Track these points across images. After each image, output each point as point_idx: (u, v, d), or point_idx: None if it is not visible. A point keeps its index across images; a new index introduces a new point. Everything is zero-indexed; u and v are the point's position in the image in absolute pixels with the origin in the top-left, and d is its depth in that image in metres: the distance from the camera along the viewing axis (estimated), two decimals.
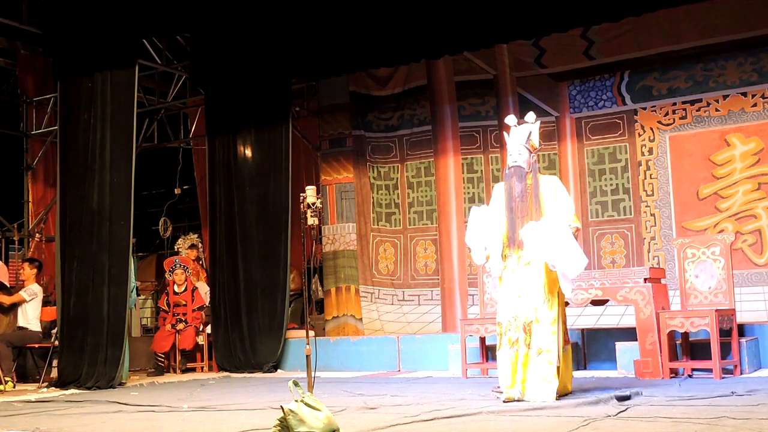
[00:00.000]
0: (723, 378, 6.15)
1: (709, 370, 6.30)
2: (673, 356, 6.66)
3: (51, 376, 8.25)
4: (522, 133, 5.57)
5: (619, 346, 6.91)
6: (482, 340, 7.46)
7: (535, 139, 5.62)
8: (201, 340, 9.60)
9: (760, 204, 8.09)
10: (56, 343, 8.23)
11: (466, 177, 9.61)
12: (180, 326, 9.42)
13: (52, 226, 10.50)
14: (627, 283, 6.65)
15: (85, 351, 7.85)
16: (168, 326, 9.46)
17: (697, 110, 8.44)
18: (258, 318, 9.21)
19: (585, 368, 7.38)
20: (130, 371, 8.57)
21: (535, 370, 5.26)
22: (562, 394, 5.33)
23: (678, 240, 7.11)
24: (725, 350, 6.47)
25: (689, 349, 6.81)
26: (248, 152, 9.56)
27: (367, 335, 9.49)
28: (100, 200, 8.07)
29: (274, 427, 3.98)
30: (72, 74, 8.43)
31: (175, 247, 11.19)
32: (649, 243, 8.59)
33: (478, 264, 6.02)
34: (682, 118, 8.52)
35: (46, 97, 11.28)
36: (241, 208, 9.41)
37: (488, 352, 7.51)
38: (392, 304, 9.88)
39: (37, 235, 11.21)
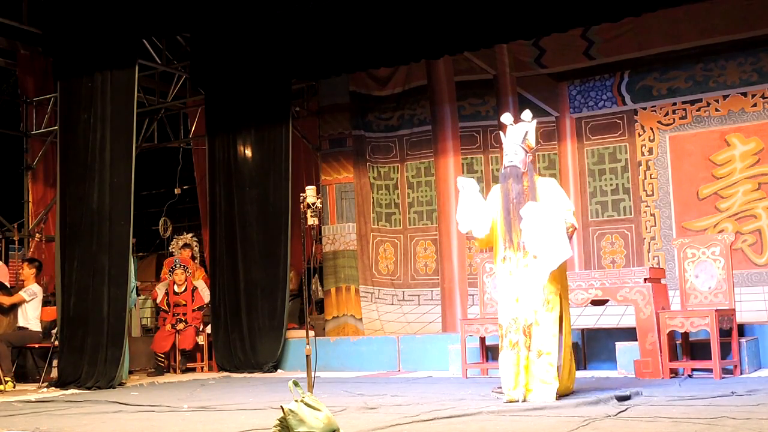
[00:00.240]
0: (723, 378, 6.15)
1: (709, 370, 6.30)
2: (673, 356, 6.66)
3: (51, 376, 8.24)
4: (518, 133, 5.54)
5: (619, 346, 6.90)
6: (482, 340, 7.46)
7: (532, 139, 5.59)
8: (201, 340, 9.60)
9: (760, 204, 8.10)
10: (56, 343, 8.23)
11: (466, 177, 9.59)
12: (180, 326, 9.42)
13: (52, 226, 10.50)
14: (627, 283, 6.65)
15: (85, 351, 7.85)
16: (168, 326, 9.46)
17: (697, 110, 8.44)
18: (258, 318, 9.21)
19: (585, 368, 7.38)
20: (130, 371, 8.57)
21: (535, 372, 5.26)
22: (563, 394, 5.33)
23: (678, 240, 7.11)
24: (725, 350, 6.47)
25: (689, 349, 6.81)
26: (248, 152, 9.56)
27: (367, 335, 9.48)
28: (100, 200, 8.07)
29: (274, 427, 3.98)
30: (72, 74, 8.44)
31: (169, 248, 11.18)
32: (649, 243, 8.59)
33: (464, 231, 5.88)
34: (682, 118, 8.52)
35: (46, 97, 11.28)
36: (241, 208, 9.41)
37: (488, 352, 7.51)
38: (392, 304, 9.88)
39: (37, 235, 11.21)
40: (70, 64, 8.48)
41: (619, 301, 6.77)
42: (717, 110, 8.34)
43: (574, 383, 5.57)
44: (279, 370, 8.97)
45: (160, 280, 10.65)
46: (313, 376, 5.36)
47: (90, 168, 8.14)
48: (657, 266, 8.16)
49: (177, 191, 12.55)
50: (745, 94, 8.22)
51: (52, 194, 10.86)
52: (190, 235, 10.95)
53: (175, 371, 9.37)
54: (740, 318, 6.97)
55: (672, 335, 6.58)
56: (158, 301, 9.86)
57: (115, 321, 7.88)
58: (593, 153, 8.96)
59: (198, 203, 12.47)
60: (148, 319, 11.74)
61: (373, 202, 10.15)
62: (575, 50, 8.95)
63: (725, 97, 8.31)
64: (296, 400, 4.02)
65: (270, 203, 9.34)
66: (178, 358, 9.42)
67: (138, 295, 10.70)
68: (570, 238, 5.35)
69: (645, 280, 6.62)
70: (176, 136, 12.26)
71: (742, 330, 6.94)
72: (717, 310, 6.30)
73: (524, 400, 5.19)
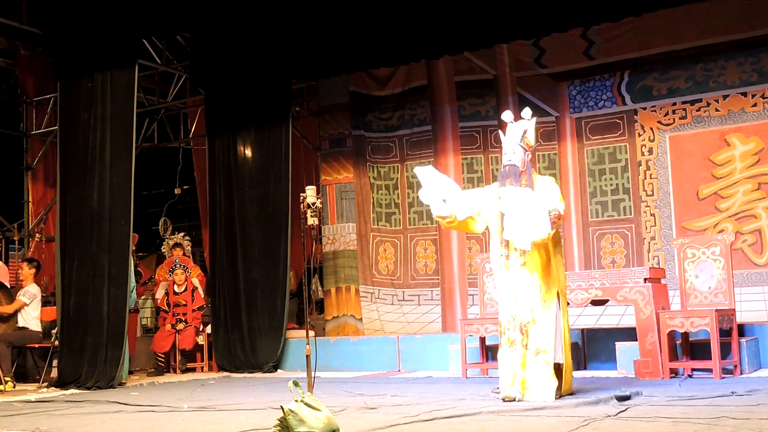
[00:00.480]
0: (723, 378, 6.15)
1: (709, 370, 6.30)
2: (673, 356, 6.66)
3: (51, 376, 8.24)
4: (517, 131, 5.53)
5: (619, 346, 6.90)
6: (482, 340, 7.46)
7: (531, 137, 5.58)
8: (201, 340, 9.60)
9: (760, 204, 8.09)
10: (56, 343, 8.23)
11: (466, 177, 9.61)
12: (180, 326, 9.42)
13: (52, 226, 10.50)
14: (627, 283, 6.65)
15: (85, 351, 7.85)
16: (168, 326, 9.46)
17: (697, 110, 8.44)
18: (258, 318, 9.21)
19: (585, 368, 7.38)
20: (130, 371, 8.57)
21: (533, 370, 5.26)
22: (566, 394, 5.34)
23: (678, 240, 7.11)
24: (725, 350, 6.47)
25: (689, 349, 6.81)
26: (248, 152, 9.56)
27: (367, 335, 9.48)
28: (100, 200, 8.07)
29: (274, 427, 3.98)
30: (72, 74, 8.44)
31: (162, 249, 11.19)
32: (649, 243, 8.59)
33: (437, 214, 5.72)
34: (682, 118, 8.52)
35: (46, 97, 11.28)
36: (241, 208, 9.41)
37: (488, 352, 7.51)
38: (392, 304, 9.88)
39: (37, 235, 11.21)
40: (70, 64, 8.48)
41: (619, 301, 6.77)
42: (717, 110, 8.34)
43: (572, 383, 5.57)
44: (279, 370, 8.97)
45: (155, 280, 10.64)
46: (313, 376, 5.36)
47: (90, 168, 8.14)
48: (657, 266, 8.16)
49: (177, 191, 12.55)
50: (745, 94, 8.22)
51: (52, 194, 10.86)
52: (181, 234, 10.94)
53: (175, 371, 9.37)
54: (740, 318, 6.97)
55: (672, 335, 6.58)
56: (158, 299, 9.87)
57: (115, 321, 7.88)
58: (593, 153, 8.96)
59: (198, 203, 12.47)
60: (148, 319, 11.75)
61: (373, 202, 10.15)
62: (575, 50, 8.95)
63: (725, 97, 8.31)
64: (296, 400, 4.02)
65: (270, 203, 9.34)
66: (178, 358, 9.42)
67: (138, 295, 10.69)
68: (553, 224, 5.28)
69: (645, 280, 6.62)
70: (176, 136, 12.26)
71: (742, 330, 6.94)
72: (717, 310, 6.30)
73: (522, 398, 5.20)
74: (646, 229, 8.62)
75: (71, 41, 8.48)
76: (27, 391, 7.76)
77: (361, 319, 9.88)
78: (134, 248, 10.67)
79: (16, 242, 11.18)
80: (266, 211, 9.35)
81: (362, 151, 10.22)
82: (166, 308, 9.66)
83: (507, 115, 5.62)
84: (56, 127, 8.92)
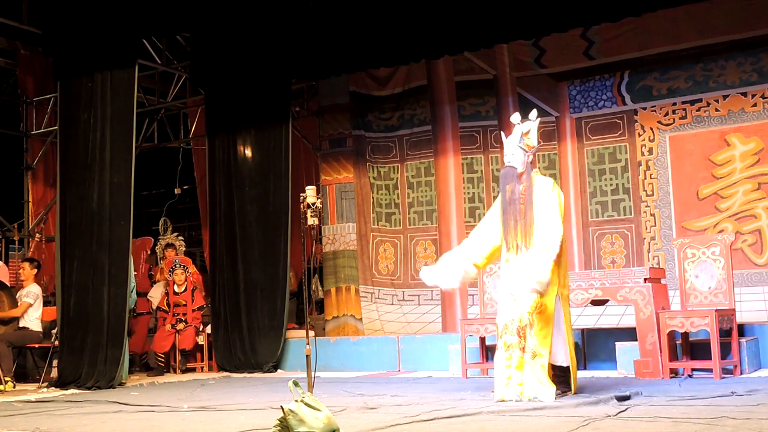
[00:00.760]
0: (723, 378, 6.15)
1: (709, 370, 6.30)
2: (673, 356, 6.66)
3: (51, 376, 8.25)
4: (516, 133, 5.57)
5: (619, 346, 6.90)
6: (482, 340, 7.46)
7: (533, 138, 5.58)
8: (201, 340, 9.60)
9: (760, 204, 8.09)
10: (56, 343, 8.23)
11: (466, 177, 9.61)
12: (180, 326, 9.42)
13: (52, 226, 10.50)
14: (627, 283, 6.64)
15: (85, 351, 7.85)
16: (168, 326, 9.46)
17: (697, 110, 8.44)
18: (258, 318, 9.21)
19: (585, 368, 7.38)
20: (129, 371, 8.57)
21: (530, 372, 5.26)
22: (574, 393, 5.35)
23: (678, 240, 7.11)
24: (725, 350, 6.47)
25: (689, 349, 6.81)
26: (248, 152, 9.56)
27: (367, 335, 9.49)
28: (100, 200, 8.07)
29: (274, 427, 3.98)
30: (72, 74, 8.44)
31: (156, 249, 11.19)
32: (649, 243, 8.59)
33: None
34: (682, 118, 8.52)
35: (46, 97, 11.28)
36: (241, 208, 9.41)
37: (488, 352, 7.51)
38: (392, 304, 9.88)
39: (37, 235, 11.21)
40: (70, 64, 8.48)
41: (619, 301, 6.77)
42: (717, 110, 8.34)
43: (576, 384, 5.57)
44: (279, 370, 8.97)
45: (152, 278, 10.64)
46: (313, 376, 5.36)
47: (90, 168, 8.14)
48: (657, 266, 8.16)
49: (177, 191, 12.56)
50: (745, 94, 8.22)
51: (52, 194, 10.86)
52: (174, 234, 10.94)
53: (175, 371, 9.37)
54: (740, 318, 6.97)
55: (672, 335, 6.58)
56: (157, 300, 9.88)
57: (115, 321, 7.88)
58: (593, 153, 8.96)
59: (198, 203, 12.47)
60: (132, 310, 11.72)
61: (373, 202, 10.15)
62: (575, 50, 8.95)
63: (725, 97, 8.31)
64: (296, 400, 4.02)
65: (270, 203, 9.34)
66: (178, 358, 9.42)
67: (138, 295, 10.69)
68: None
69: (645, 280, 6.62)
70: (176, 136, 12.26)
71: (742, 330, 6.94)
72: (717, 310, 6.30)
73: (518, 400, 5.20)
74: (646, 229, 8.62)
75: (71, 41, 8.48)
76: (27, 391, 7.76)
77: (361, 319, 9.88)
78: (148, 253, 10.70)
79: (16, 242, 11.18)
80: (266, 211, 9.35)
81: (362, 151, 10.22)
82: (166, 308, 9.66)
83: (515, 117, 5.64)
84: (56, 127, 8.92)
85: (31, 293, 8.76)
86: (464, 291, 9.43)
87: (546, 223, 5.36)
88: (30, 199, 11.46)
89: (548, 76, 9.20)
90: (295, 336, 9.24)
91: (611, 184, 8.84)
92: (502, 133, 5.71)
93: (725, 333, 6.50)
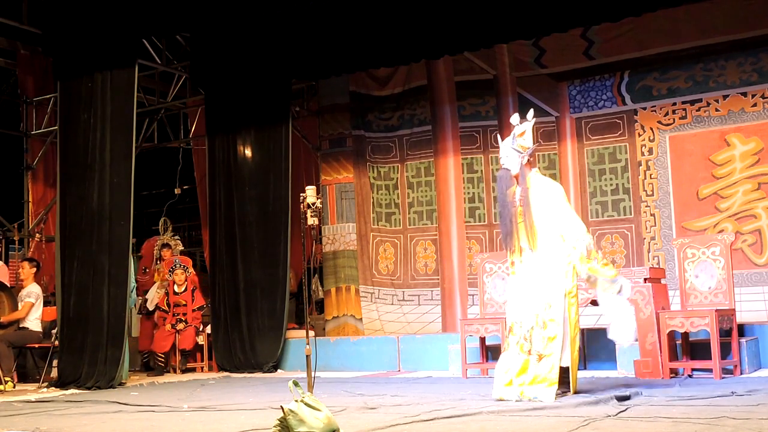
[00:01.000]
0: (723, 378, 6.15)
1: (709, 370, 6.30)
2: (673, 356, 6.66)
3: (51, 376, 8.24)
4: (511, 135, 5.58)
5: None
6: (482, 340, 7.45)
7: (528, 140, 5.57)
8: (201, 340, 9.60)
9: (760, 204, 8.09)
10: (56, 343, 8.23)
11: (466, 177, 9.61)
12: (180, 326, 9.42)
13: (52, 226, 10.50)
14: None
15: (85, 351, 7.85)
16: (168, 326, 9.46)
17: (697, 110, 8.44)
18: (258, 318, 9.21)
19: (585, 368, 7.37)
20: (129, 371, 8.57)
21: (533, 374, 5.26)
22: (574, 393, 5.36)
23: (678, 240, 7.11)
24: (725, 350, 6.47)
25: (689, 349, 6.81)
26: (248, 152, 9.56)
27: (367, 335, 9.48)
28: (100, 200, 8.07)
29: (274, 427, 3.98)
30: (72, 74, 8.44)
31: (154, 252, 11.20)
32: (649, 243, 8.59)
33: None
34: (682, 118, 8.52)
35: (46, 97, 11.28)
36: (241, 208, 9.41)
37: (488, 352, 7.51)
38: (392, 304, 9.87)
39: (37, 235, 11.21)
40: (70, 64, 8.48)
41: None
42: (717, 110, 8.34)
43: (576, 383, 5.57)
44: (279, 370, 8.97)
45: (148, 273, 10.64)
46: (313, 376, 5.36)
47: (90, 168, 8.14)
48: (657, 266, 8.16)
49: (177, 191, 12.56)
50: (745, 94, 8.22)
51: (52, 194, 10.86)
52: (169, 234, 10.95)
53: (175, 371, 9.37)
54: (740, 318, 6.97)
55: (672, 335, 6.58)
56: (156, 301, 9.87)
57: (115, 321, 7.88)
58: (593, 153, 8.96)
59: (198, 203, 12.47)
60: (134, 308, 11.73)
61: (373, 202, 10.15)
62: (575, 50, 8.95)
63: (725, 97, 8.31)
64: (296, 400, 4.02)
65: (270, 203, 9.34)
66: (178, 358, 9.42)
67: (138, 295, 10.70)
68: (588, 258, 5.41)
69: (645, 280, 6.62)
70: (176, 136, 12.27)
71: (742, 330, 6.94)
72: (717, 310, 6.30)
73: (518, 400, 5.20)
74: (646, 229, 8.62)
75: (71, 41, 8.48)
76: (27, 391, 7.76)
77: (361, 319, 9.88)
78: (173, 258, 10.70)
79: (16, 242, 11.18)
80: (266, 211, 9.35)
81: (362, 151, 10.22)
82: (166, 308, 9.66)
83: (514, 119, 5.65)
84: (56, 127, 8.92)
85: (33, 293, 8.77)
86: (464, 291, 9.43)
87: (564, 223, 5.39)
88: (30, 199, 11.46)
89: (548, 76, 9.20)
90: (295, 336, 9.24)
91: (611, 184, 8.84)
92: (498, 135, 5.71)
93: (725, 333, 6.50)
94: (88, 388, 7.55)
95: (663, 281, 6.98)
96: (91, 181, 8.11)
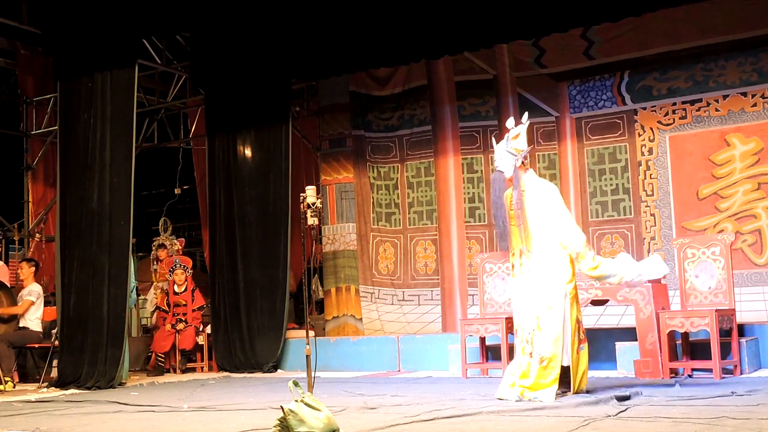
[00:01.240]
0: (723, 378, 6.15)
1: (709, 370, 6.30)
2: (673, 356, 6.66)
3: (51, 376, 8.24)
4: (505, 137, 5.59)
5: (619, 346, 6.90)
6: (482, 340, 7.45)
7: (522, 142, 5.57)
8: (201, 340, 9.60)
9: (760, 204, 8.09)
10: (56, 343, 8.23)
11: (466, 177, 9.61)
12: (180, 326, 9.42)
13: (52, 226, 10.50)
14: None
15: (85, 351, 7.85)
16: (168, 326, 9.46)
17: (697, 110, 8.44)
18: (258, 318, 9.21)
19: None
20: (130, 371, 8.57)
21: (535, 378, 5.27)
22: (575, 393, 5.35)
23: (678, 240, 7.11)
24: (725, 350, 6.47)
25: (689, 349, 6.81)
26: (248, 152, 9.56)
27: (367, 335, 9.48)
28: (100, 200, 8.07)
29: (274, 427, 3.98)
30: (72, 74, 8.44)
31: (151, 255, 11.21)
32: (649, 243, 8.59)
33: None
34: (682, 118, 8.52)
35: (46, 97, 11.28)
36: (241, 208, 9.41)
37: (488, 352, 7.51)
38: (392, 304, 9.87)
39: (37, 235, 11.21)
40: (70, 64, 8.48)
41: (619, 301, 6.77)
42: (717, 110, 8.33)
43: (586, 381, 5.55)
44: (279, 370, 8.97)
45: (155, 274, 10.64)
46: (313, 376, 5.36)
47: (90, 168, 8.14)
48: None
49: (177, 191, 12.56)
50: (745, 94, 8.21)
51: (52, 194, 10.86)
52: (166, 234, 10.94)
53: (175, 371, 9.37)
54: (740, 318, 6.97)
55: (672, 335, 6.58)
56: (157, 301, 9.87)
57: (115, 321, 7.88)
58: (593, 153, 8.96)
59: (198, 203, 12.48)
60: (149, 319, 11.76)
61: (373, 202, 10.15)
62: (575, 50, 8.95)
63: (725, 97, 8.30)
64: (296, 400, 4.02)
65: (270, 203, 9.34)
66: (178, 358, 9.42)
67: (138, 295, 10.71)
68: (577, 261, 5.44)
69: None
70: (176, 136, 12.27)
71: (742, 330, 6.94)
72: (717, 310, 6.30)
73: (518, 400, 5.21)
74: (646, 229, 8.62)
75: (71, 41, 8.48)
76: (27, 391, 7.77)
77: (361, 319, 9.88)
78: (180, 251, 10.71)
79: (16, 242, 11.19)
80: (266, 211, 9.35)
81: (362, 151, 10.22)
82: (166, 308, 9.66)
83: (509, 122, 5.67)
84: (56, 127, 8.93)
85: (34, 292, 8.78)
86: (464, 291, 9.43)
87: (560, 227, 5.39)
88: (30, 199, 11.46)
89: (548, 76, 9.20)
90: (295, 336, 9.24)
91: (611, 184, 8.84)
92: (494, 138, 5.72)
93: (725, 333, 6.49)
94: (88, 388, 7.55)
95: (663, 281, 6.97)
96: (91, 181, 8.11)
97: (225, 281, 9.40)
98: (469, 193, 9.60)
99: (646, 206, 8.64)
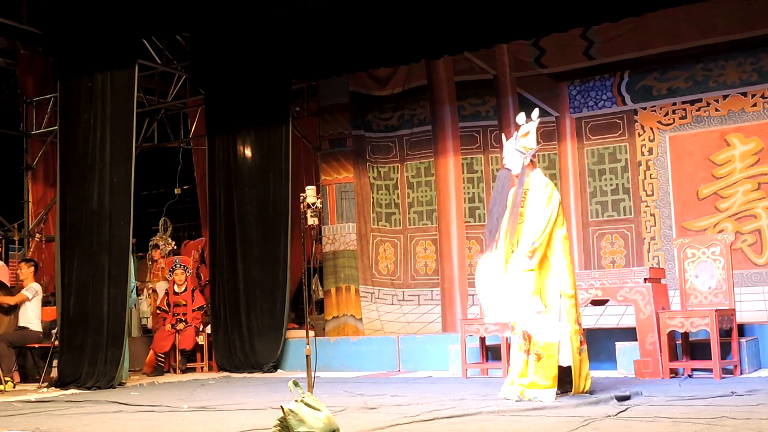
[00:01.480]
0: (723, 378, 6.15)
1: (709, 370, 6.30)
2: (673, 356, 6.66)
3: (51, 376, 8.24)
4: (514, 135, 5.59)
5: (619, 346, 6.90)
6: (482, 340, 7.46)
7: (531, 140, 5.57)
8: (201, 340, 9.60)
9: (759, 204, 8.09)
10: (56, 343, 8.23)
11: (466, 177, 9.61)
12: (180, 326, 9.42)
13: (52, 226, 10.50)
14: (627, 283, 6.65)
15: (85, 351, 7.85)
16: (168, 326, 9.46)
17: (697, 110, 8.44)
18: (258, 318, 9.21)
19: None
20: (130, 371, 8.57)
21: (533, 375, 5.27)
22: (577, 393, 5.35)
23: (678, 240, 7.11)
24: (725, 350, 6.47)
25: (689, 349, 6.81)
26: (248, 152, 9.56)
27: (367, 335, 9.49)
28: (100, 200, 8.07)
29: (274, 427, 3.98)
30: (72, 74, 8.44)
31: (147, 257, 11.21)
32: (649, 243, 8.59)
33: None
34: (682, 118, 8.52)
35: (46, 97, 11.28)
36: (241, 208, 9.41)
37: (488, 352, 7.51)
38: (392, 304, 9.88)
39: (37, 235, 11.21)
40: (70, 64, 8.48)
41: (619, 301, 6.77)
42: (717, 110, 8.34)
43: (589, 383, 5.53)
44: (279, 370, 8.97)
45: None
46: (313, 376, 5.36)
47: (90, 168, 8.14)
48: (657, 266, 8.16)
49: (177, 191, 12.56)
50: (745, 94, 8.22)
51: (52, 194, 10.86)
52: (159, 234, 10.94)
53: (175, 371, 9.37)
54: (740, 318, 6.97)
55: (672, 335, 6.58)
56: (149, 302, 9.88)
57: (115, 321, 7.88)
58: (593, 153, 8.96)
59: (198, 203, 12.47)
60: (149, 319, 11.76)
61: (373, 202, 10.15)
62: (575, 50, 8.95)
63: (725, 97, 8.31)
64: (296, 400, 4.02)
65: (270, 203, 9.34)
66: (178, 358, 9.42)
67: (138, 295, 10.71)
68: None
69: (645, 280, 6.62)
70: (176, 136, 12.27)
71: (742, 330, 6.94)
72: (717, 310, 6.30)
73: (518, 400, 5.21)
74: (646, 229, 8.62)
75: (71, 41, 8.48)
76: (27, 391, 7.77)
77: (361, 319, 9.88)
78: (199, 253, 10.70)
79: (16, 242, 11.19)
80: (266, 211, 9.35)
81: (362, 151, 10.22)
82: (166, 308, 9.66)
83: (520, 118, 5.65)
84: (56, 127, 8.93)
85: (31, 288, 8.80)
86: (464, 291, 9.43)
87: (532, 223, 5.39)
88: (30, 199, 11.46)
89: (548, 76, 9.20)
90: (295, 336, 9.24)
91: (611, 184, 8.84)
92: (503, 135, 5.71)
93: (725, 333, 6.50)
94: (88, 388, 7.55)
95: (663, 281, 6.98)
96: (91, 181, 8.11)
97: (225, 281, 9.40)
98: (469, 193, 9.60)
99: (646, 206, 8.64)
